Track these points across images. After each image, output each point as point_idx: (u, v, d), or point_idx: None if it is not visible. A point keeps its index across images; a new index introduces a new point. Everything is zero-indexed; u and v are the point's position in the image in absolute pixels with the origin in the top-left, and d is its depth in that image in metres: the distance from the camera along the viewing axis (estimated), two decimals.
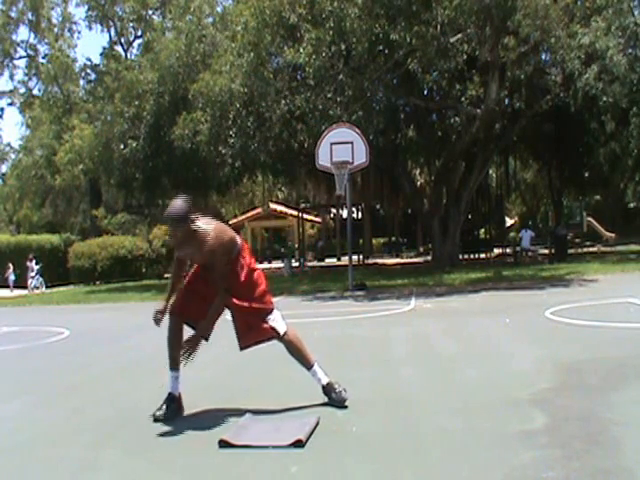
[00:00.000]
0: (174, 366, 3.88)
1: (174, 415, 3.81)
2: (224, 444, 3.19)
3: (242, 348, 3.97)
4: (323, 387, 3.87)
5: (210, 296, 3.78)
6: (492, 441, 3.06)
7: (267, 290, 3.95)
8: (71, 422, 3.97)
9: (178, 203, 3.65)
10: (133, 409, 4.16)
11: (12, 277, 23.11)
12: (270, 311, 3.88)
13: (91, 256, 23.34)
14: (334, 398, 3.82)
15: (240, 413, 3.72)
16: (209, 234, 3.67)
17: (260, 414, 3.71)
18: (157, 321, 3.86)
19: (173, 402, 3.86)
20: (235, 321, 3.91)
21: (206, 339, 3.84)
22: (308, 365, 3.91)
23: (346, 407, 3.76)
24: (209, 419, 3.75)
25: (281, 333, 3.87)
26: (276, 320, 3.89)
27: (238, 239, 3.91)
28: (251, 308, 3.83)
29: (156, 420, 3.75)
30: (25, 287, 22.31)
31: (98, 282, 22.96)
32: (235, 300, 3.81)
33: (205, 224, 3.71)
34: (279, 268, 22.92)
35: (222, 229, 3.80)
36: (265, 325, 3.85)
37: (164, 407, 3.82)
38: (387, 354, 5.74)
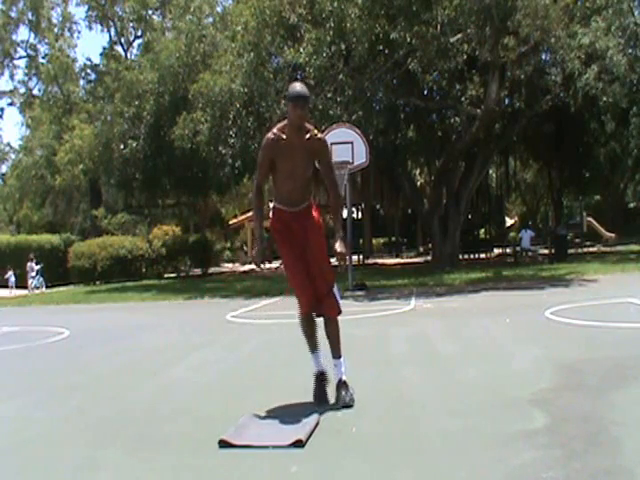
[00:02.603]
0: (316, 349, 3.93)
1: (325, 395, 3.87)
2: (224, 444, 3.18)
3: (318, 316, 3.95)
4: (339, 380, 3.87)
5: (314, 274, 3.82)
6: (492, 441, 3.06)
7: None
8: (71, 422, 3.97)
9: (299, 84, 3.84)
10: (133, 409, 4.16)
11: (12, 278, 23.08)
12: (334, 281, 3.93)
13: (91, 256, 23.33)
14: (341, 396, 3.81)
15: (240, 413, 3.72)
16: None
17: (260, 414, 3.71)
18: (260, 263, 3.94)
19: (324, 379, 3.90)
20: (314, 285, 3.87)
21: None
22: (338, 353, 3.92)
23: (347, 408, 3.76)
24: (209, 419, 3.75)
25: (341, 309, 3.92)
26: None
27: None
28: (325, 274, 3.84)
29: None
30: (25, 287, 22.33)
31: (98, 282, 22.96)
32: (314, 262, 3.82)
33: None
34: (278, 268, 22.92)
35: None
36: (334, 296, 3.88)
37: (321, 388, 3.87)
38: (387, 354, 5.74)
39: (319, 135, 3.87)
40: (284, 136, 3.79)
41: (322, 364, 3.93)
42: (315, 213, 3.97)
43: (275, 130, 3.85)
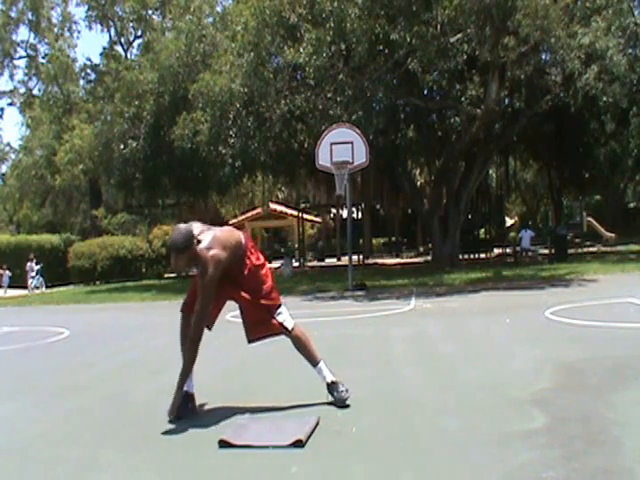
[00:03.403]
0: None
1: (189, 413, 3.84)
2: (224, 444, 3.19)
3: (250, 341, 4.04)
4: (327, 384, 3.90)
5: (221, 293, 3.83)
6: (492, 441, 3.06)
7: (274, 286, 4.00)
8: (71, 422, 3.97)
9: (179, 232, 3.76)
10: (133, 409, 4.17)
11: (5, 278, 23.00)
12: (278, 307, 3.94)
13: (91, 256, 23.33)
14: (335, 397, 3.85)
15: (240, 413, 3.72)
16: (204, 255, 3.71)
17: (260, 414, 3.71)
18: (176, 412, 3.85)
19: (189, 400, 3.89)
20: (243, 315, 3.98)
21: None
22: (314, 362, 3.94)
23: (346, 406, 3.77)
24: (209, 419, 3.75)
25: (289, 328, 3.92)
26: (284, 316, 3.94)
27: (243, 238, 3.96)
28: (259, 304, 3.88)
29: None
30: (25, 287, 22.31)
31: (98, 282, 22.95)
32: (243, 294, 3.87)
33: (205, 237, 3.79)
34: (277, 267, 22.94)
35: (222, 239, 3.81)
36: (274, 321, 3.90)
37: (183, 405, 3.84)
38: (387, 354, 5.74)
39: (201, 269, 3.75)
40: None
41: (190, 385, 3.92)
42: (248, 262, 3.92)
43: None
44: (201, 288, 3.74)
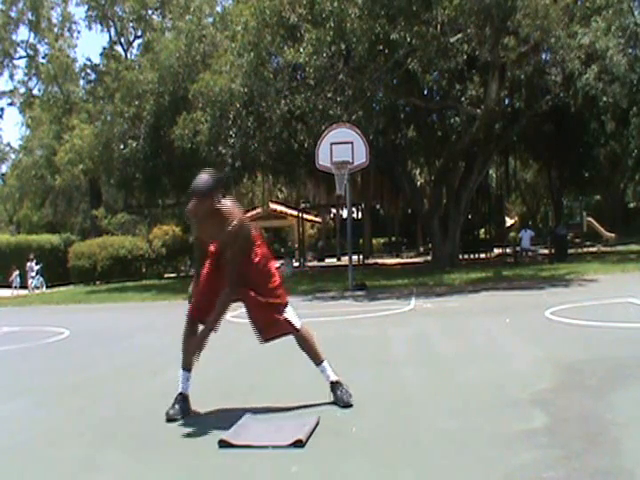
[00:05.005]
0: (187, 367, 3.90)
1: (184, 414, 3.82)
2: (224, 444, 3.18)
3: (264, 341, 3.94)
4: (331, 383, 3.88)
5: (254, 305, 3.79)
6: (492, 441, 3.06)
7: (281, 283, 3.90)
8: (71, 422, 3.97)
9: (204, 177, 3.58)
10: (133, 409, 4.17)
11: (17, 279, 23.00)
12: (285, 305, 3.86)
13: (91, 256, 23.32)
14: (338, 396, 3.83)
15: (240, 413, 3.72)
16: (234, 213, 3.61)
17: (260, 414, 3.71)
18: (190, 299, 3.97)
19: (184, 401, 3.87)
20: (251, 315, 3.85)
21: (215, 330, 3.77)
22: (318, 361, 3.92)
23: (347, 407, 3.76)
24: (209, 419, 3.75)
25: (298, 327, 3.87)
26: (290, 314, 3.87)
27: (252, 229, 3.83)
28: (268, 303, 3.76)
29: (170, 420, 3.74)
30: (25, 287, 22.31)
31: (98, 282, 22.95)
32: (251, 292, 3.74)
33: (230, 203, 3.68)
34: (277, 267, 23.01)
35: (244, 214, 3.76)
36: (283, 319, 3.82)
37: (176, 406, 3.83)
38: (387, 354, 5.74)
39: (232, 228, 3.60)
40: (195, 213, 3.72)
41: (186, 386, 3.89)
42: (257, 253, 3.82)
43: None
44: (235, 251, 3.57)
